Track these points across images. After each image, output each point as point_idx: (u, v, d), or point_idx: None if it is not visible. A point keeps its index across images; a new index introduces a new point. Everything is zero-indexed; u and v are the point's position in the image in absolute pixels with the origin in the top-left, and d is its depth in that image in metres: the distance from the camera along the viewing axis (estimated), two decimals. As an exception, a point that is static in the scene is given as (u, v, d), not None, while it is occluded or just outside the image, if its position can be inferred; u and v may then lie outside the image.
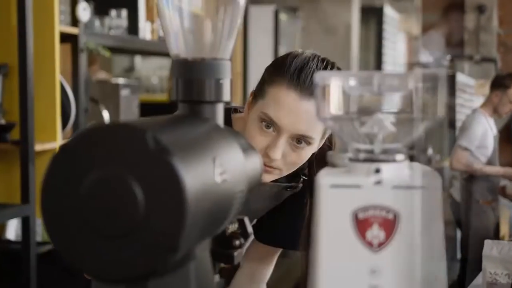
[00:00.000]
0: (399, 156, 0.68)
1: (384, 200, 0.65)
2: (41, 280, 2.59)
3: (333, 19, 5.75)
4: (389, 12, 7.48)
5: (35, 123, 2.47)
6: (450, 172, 4.93)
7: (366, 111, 0.69)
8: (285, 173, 1.33)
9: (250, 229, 0.84)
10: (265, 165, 1.28)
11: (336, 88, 0.69)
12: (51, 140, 2.62)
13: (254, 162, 0.81)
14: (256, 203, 1.43)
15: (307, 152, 1.30)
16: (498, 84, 4.57)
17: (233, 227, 0.83)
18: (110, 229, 0.58)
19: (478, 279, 2.08)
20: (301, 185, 1.45)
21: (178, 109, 0.77)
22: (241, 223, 0.83)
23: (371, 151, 0.68)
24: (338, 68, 1.33)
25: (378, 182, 0.65)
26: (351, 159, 0.69)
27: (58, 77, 2.64)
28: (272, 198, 1.46)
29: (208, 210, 0.63)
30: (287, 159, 1.29)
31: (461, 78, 6.72)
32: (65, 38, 2.80)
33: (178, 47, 0.76)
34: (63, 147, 0.60)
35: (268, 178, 1.31)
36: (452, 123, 6.47)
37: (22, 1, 2.41)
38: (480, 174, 4.41)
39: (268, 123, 1.26)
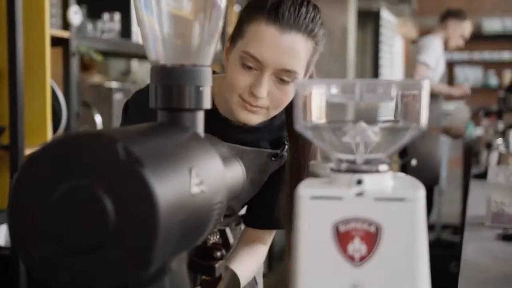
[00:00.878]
0: (382, 167, 0.65)
1: (366, 212, 0.63)
2: (31, 286, 2.57)
3: (330, 23, 5.73)
4: (386, 15, 7.46)
5: (25, 127, 2.44)
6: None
7: (348, 120, 0.67)
8: (272, 113, 1.31)
9: (231, 239, 0.82)
10: (251, 105, 1.27)
11: (317, 96, 0.66)
12: (42, 144, 2.58)
13: (235, 171, 0.79)
14: None
15: (292, 88, 1.28)
16: (454, 14, 4.70)
17: (214, 238, 0.81)
18: (79, 243, 0.56)
19: (481, 211, 1.93)
20: (285, 154, 1.43)
21: (158, 117, 0.74)
22: (223, 233, 0.81)
23: (353, 162, 0.66)
24: (315, 6, 1.31)
25: (360, 194, 0.63)
26: (332, 169, 0.66)
27: (49, 81, 2.61)
28: (258, 170, 1.44)
29: (183, 223, 0.61)
30: (273, 97, 1.27)
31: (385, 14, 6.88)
32: (57, 41, 2.77)
33: (157, 53, 0.74)
34: (31, 157, 0.58)
35: (255, 118, 1.30)
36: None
37: (12, 4, 2.38)
38: (435, 91, 4.60)
39: (250, 62, 1.25)
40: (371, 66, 7.45)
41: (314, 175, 0.70)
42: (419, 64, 4.61)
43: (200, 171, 0.65)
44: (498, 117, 4.42)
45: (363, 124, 0.66)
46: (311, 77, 1.38)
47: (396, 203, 0.62)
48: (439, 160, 4.85)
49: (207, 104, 0.74)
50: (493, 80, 9.33)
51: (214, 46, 0.76)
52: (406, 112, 0.66)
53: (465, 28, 4.80)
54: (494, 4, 9.16)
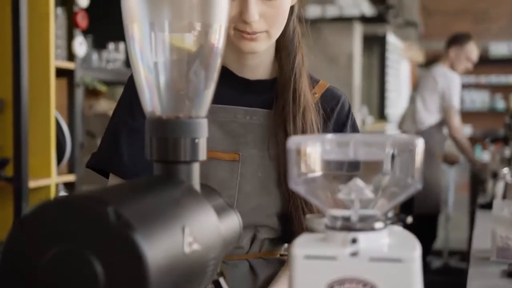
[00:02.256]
0: (378, 224, 0.64)
1: (361, 272, 0.62)
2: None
3: (335, 49, 5.75)
4: (392, 39, 7.47)
5: (29, 159, 2.44)
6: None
7: (343, 175, 0.66)
8: (274, 35, 1.25)
9: (227, 289, 0.81)
10: (248, 33, 1.21)
11: (311, 151, 0.66)
12: (46, 176, 2.58)
13: (230, 223, 0.78)
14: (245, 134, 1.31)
15: (283, 1, 1.23)
16: (454, 40, 4.68)
17: (210, 290, 0.80)
18: (69, 307, 0.55)
19: (486, 243, 1.91)
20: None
21: (153, 169, 0.74)
22: (217, 285, 0.80)
23: (348, 218, 0.65)
24: None
25: (354, 254, 0.62)
26: (327, 227, 0.66)
27: (53, 112, 2.62)
28: (275, 142, 1.32)
29: (176, 283, 0.60)
30: (267, 16, 1.21)
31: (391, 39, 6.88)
32: (62, 72, 2.78)
33: (153, 104, 0.73)
34: (21, 220, 0.58)
35: (257, 46, 1.24)
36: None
37: (17, 36, 2.40)
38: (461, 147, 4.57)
39: None
40: (377, 90, 7.44)
41: (310, 230, 0.70)
42: (455, 112, 4.49)
43: (193, 229, 0.64)
44: (504, 143, 4.40)
45: (358, 182, 0.65)
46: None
47: (392, 264, 0.61)
48: (442, 186, 4.80)
49: (203, 156, 0.73)
50: (500, 104, 9.32)
51: (211, 95, 0.75)
52: (402, 168, 0.66)
53: (469, 51, 4.69)
54: (501, 28, 9.18)
